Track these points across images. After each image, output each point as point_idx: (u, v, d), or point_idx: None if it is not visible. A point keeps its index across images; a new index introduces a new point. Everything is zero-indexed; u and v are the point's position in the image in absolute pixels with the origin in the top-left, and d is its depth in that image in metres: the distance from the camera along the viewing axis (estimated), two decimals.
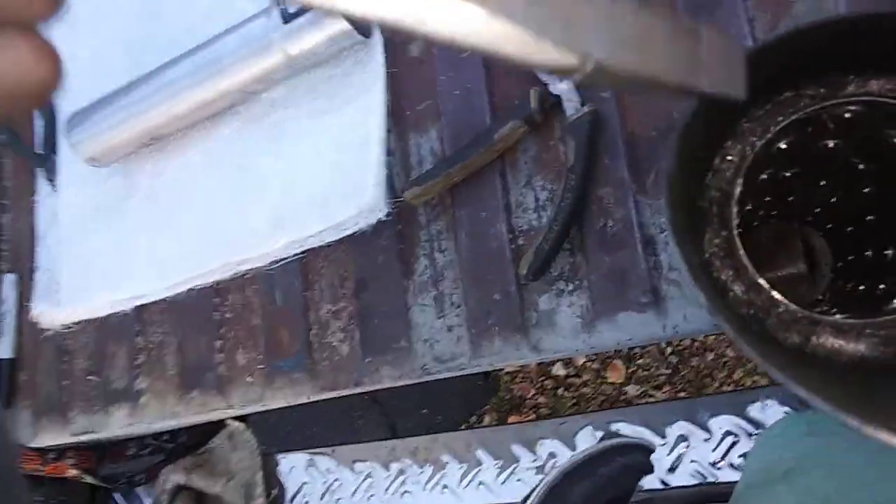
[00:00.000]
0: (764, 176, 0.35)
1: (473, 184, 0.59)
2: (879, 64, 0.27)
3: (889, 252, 0.36)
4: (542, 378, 1.49)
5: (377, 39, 0.62)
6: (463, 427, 1.45)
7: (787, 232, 0.49)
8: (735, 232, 0.30)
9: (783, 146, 0.32)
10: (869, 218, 0.38)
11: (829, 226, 0.46)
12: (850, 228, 0.42)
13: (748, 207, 0.39)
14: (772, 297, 0.30)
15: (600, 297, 0.53)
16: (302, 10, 0.56)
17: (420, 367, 0.60)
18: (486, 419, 1.49)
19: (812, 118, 0.29)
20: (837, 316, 0.30)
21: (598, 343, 0.53)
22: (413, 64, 0.62)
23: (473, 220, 0.59)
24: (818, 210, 0.44)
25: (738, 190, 0.30)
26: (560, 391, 1.47)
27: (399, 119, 0.62)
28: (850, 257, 0.44)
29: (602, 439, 0.46)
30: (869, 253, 0.39)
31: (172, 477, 1.03)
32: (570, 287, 0.55)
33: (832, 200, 0.40)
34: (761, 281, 0.30)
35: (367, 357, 0.63)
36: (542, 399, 1.49)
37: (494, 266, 0.58)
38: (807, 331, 0.30)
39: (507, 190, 0.58)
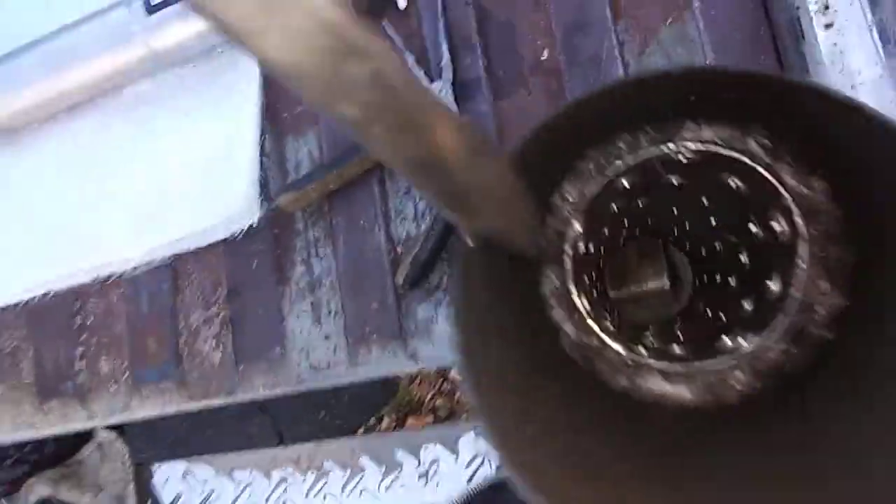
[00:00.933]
0: (615, 208, 0.36)
1: (352, 191, 0.57)
2: (713, 112, 0.28)
3: (732, 280, 0.37)
4: (440, 381, 1.50)
5: None
6: (361, 430, 1.43)
7: (652, 247, 0.51)
8: (569, 274, 0.31)
9: (627, 185, 0.32)
10: (716, 245, 0.40)
11: (687, 246, 0.48)
12: (703, 251, 0.44)
13: (605, 232, 0.40)
14: (601, 339, 0.31)
15: None
16: (167, 2, 0.53)
17: (295, 376, 0.59)
18: (385, 421, 1.48)
19: (649, 163, 0.30)
20: (663, 362, 0.31)
21: None
22: None
23: (352, 227, 0.58)
24: (676, 231, 0.46)
25: (574, 231, 0.31)
26: (458, 394, 1.48)
27: (275, 121, 0.60)
28: (705, 278, 0.46)
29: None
30: (718, 278, 0.41)
31: (37, 489, 0.96)
32: (448, 297, 0.55)
33: (686, 227, 0.42)
34: (591, 323, 0.30)
35: (240, 365, 0.60)
36: (440, 401, 1.49)
37: (372, 274, 0.57)
38: (633, 374, 0.31)
39: (386, 198, 0.57)
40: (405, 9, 0.58)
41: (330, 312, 0.58)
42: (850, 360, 0.28)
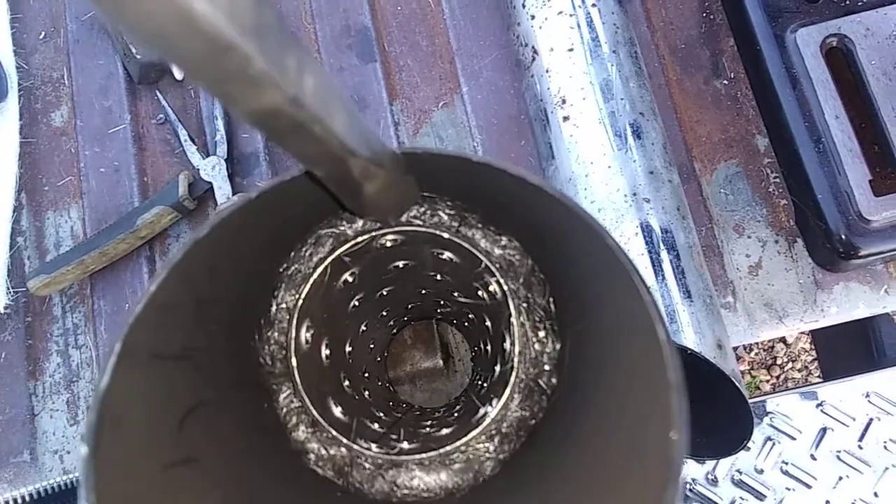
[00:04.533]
0: (356, 303, 0.34)
1: (117, 271, 0.52)
2: None
3: (488, 346, 0.37)
4: None
5: (13, 104, 0.54)
6: None
7: (424, 330, 0.50)
8: (300, 385, 0.29)
9: (349, 278, 0.31)
10: (469, 315, 0.39)
11: (455, 322, 0.47)
12: (465, 323, 0.43)
13: (363, 328, 0.38)
14: (351, 448, 0.28)
15: None
16: None
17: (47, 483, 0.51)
18: None
19: (357, 252, 0.29)
20: (418, 454, 0.29)
21: None
22: (55, 135, 0.55)
23: (116, 312, 0.52)
24: (440, 310, 0.45)
25: (294, 339, 0.29)
26: None
27: (35, 194, 0.54)
28: (479, 348, 0.45)
29: None
30: (481, 347, 0.41)
31: None
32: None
33: (442, 304, 0.42)
34: (337, 434, 0.28)
35: None
36: None
37: None
38: (392, 475, 0.29)
39: None
40: (182, 80, 0.55)
41: (90, 409, 0.52)
42: (577, 404, 0.28)
